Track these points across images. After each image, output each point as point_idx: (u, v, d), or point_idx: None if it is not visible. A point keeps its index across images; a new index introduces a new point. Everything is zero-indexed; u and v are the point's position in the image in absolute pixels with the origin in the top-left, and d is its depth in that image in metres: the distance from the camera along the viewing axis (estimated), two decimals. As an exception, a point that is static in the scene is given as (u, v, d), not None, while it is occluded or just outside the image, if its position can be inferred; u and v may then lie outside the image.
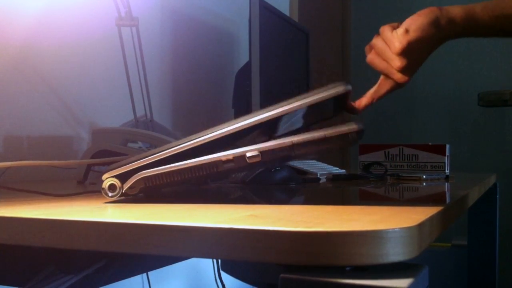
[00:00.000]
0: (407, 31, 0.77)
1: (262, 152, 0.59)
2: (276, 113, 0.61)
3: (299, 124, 0.69)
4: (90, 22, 1.29)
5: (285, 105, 0.62)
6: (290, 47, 1.54)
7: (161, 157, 0.63)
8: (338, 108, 0.72)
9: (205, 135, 0.62)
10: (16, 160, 1.09)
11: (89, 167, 1.03)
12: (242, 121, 0.62)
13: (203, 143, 0.62)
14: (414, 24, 0.77)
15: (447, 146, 1.32)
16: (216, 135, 0.61)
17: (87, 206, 0.59)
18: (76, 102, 1.25)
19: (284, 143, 0.59)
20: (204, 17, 1.76)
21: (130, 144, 1.05)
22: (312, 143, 0.59)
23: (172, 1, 1.60)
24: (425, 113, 2.83)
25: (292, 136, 0.60)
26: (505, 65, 2.69)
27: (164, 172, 0.62)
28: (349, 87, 0.65)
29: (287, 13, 2.39)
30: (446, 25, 0.77)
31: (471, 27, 0.78)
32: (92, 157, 1.01)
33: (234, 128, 0.61)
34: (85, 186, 0.95)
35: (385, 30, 0.79)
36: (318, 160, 1.55)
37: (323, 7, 2.83)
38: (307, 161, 1.42)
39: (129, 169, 0.63)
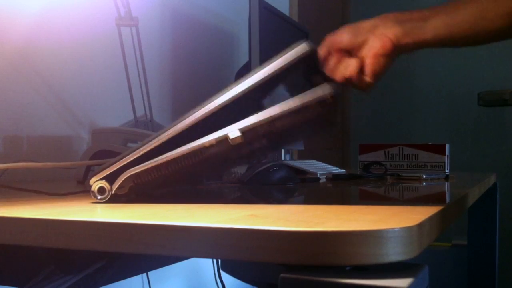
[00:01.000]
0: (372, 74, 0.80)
1: (244, 132, 0.59)
2: (240, 91, 0.60)
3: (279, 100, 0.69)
4: (89, 22, 1.29)
5: (246, 79, 0.61)
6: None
7: (144, 151, 0.62)
8: (313, 76, 0.72)
9: (182, 121, 0.61)
10: (16, 160, 1.09)
11: (88, 167, 1.03)
12: (217, 100, 0.61)
13: (183, 130, 0.61)
14: (378, 65, 0.79)
15: (447, 146, 1.32)
16: (193, 120, 0.61)
17: (87, 206, 0.59)
18: (76, 102, 1.25)
19: (263, 118, 0.58)
20: (204, 17, 1.76)
21: (130, 144, 1.05)
22: (291, 114, 0.58)
23: (172, 1, 1.60)
24: (425, 113, 2.83)
25: (270, 110, 0.59)
26: (505, 65, 2.69)
27: (150, 167, 0.61)
28: (313, 45, 0.64)
29: (287, 13, 2.39)
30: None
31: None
32: (92, 157, 1.01)
33: (210, 110, 0.61)
34: (85, 186, 0.95)
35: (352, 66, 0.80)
36: (318, 160, 1.55)
37: (323, 7, 2.83)
38: (307, 161, 1.42)
39: (115, 169, 0.62)
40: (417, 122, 2.85)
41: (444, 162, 1.30)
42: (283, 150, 1.65)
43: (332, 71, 0.79)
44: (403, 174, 1.19)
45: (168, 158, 0.60)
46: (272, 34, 1.40)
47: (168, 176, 0.62)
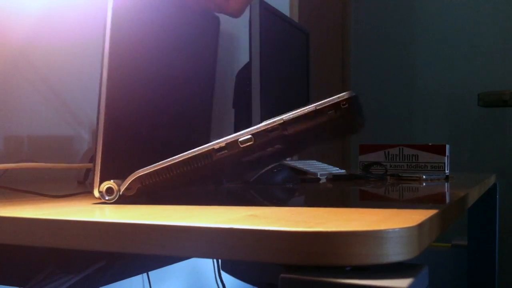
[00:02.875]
0: None
1: (254, 135, 0.59)
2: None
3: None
4: (90, 21, 1.29)
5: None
6: (290, 47, 1.54)
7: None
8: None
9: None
10: (17, 160, 1.09)
11: (89, 168, 1.03)
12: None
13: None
14: None
15: (447, 146, 1.32)
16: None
17: (87, 206, 0.59)
18: (76, 102, 1.25)
19: (274, 122, 0.58)
20: (204, 17, 1.76)
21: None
22: (304, 119, 0.57)
23: (172, 1, 1.60)
24: (425, 113, 2.83)
25: (283, 115, 0.59)
26: (505, 65, 2.69)
27: (159, 169, 0.61)
28: None
29: (287, 13, 2.39)
30: None
31: None
32: (93, 157, 1.01)
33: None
34: (85, 186, 0.95)
35: None
36: (318, 160, 1.55)
37: (323, 7, 2.83)
38: (307, 161, 1.43)
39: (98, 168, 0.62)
40: (417, 122, 2.85)
41: (444, 163, 1.30)
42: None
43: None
44: (403, 175, 1.19)
45: (177, 160, 0.60)
46: (272, 34, 1.40)
47: (178, 178, 0.61)
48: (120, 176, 0.64)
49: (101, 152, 0.63)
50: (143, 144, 0.74)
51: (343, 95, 0.57)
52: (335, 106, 0.57)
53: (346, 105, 0.57)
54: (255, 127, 0.59)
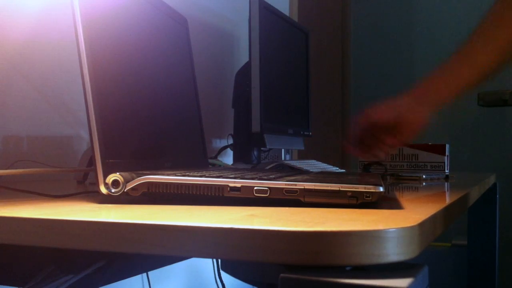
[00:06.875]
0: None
1: (271, 189, 0.59)
2: None
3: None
4: (90, 22, 1.29)
5: None
6: (290, 47, 1.54)
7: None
8: None
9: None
10: (16, 160, 1.09)
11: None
12: None
13: None
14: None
15: (447, 146, 1.32)
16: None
17: (87, 206, 0.59)
18: (76, 102, 1.25)
19: (295, 185, 0.58)
20: (204, 17, 1.76)
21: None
22: (324, 193, 0.57)
23: (172, 0, 1.60)
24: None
25: (305, 182, 0.58)
26: (505, 65, 2.69)
27: (170, 183, 0.61)
28: None
29: (287, 13, 2.39)
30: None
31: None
32: (92, 157, 1.01)
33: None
34: (85, 186, 0.95)
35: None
36: (318, 160, 1.55)
37: (323, 7, 2.83)
38: (307, 161, 1.42)
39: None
40: (417, 122, 2.85)
41: (444, 162, 1.30)
42: (283, 150, 1.65)
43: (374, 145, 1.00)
44: (403, 174, 1.19)
45: (189, 182, 0.60)
46: (272, 34, 1.40)
47: (183, 196, 0.62)
48: (122, 168, 0.64)
49: (98, 146, 0.63)
50: (138, 136, 0.74)
51: (369, 188, 0.57)
52: (358, 194, 0.57)
53: (369, 198, 0.57)
54: (275, 182, 0.59)
